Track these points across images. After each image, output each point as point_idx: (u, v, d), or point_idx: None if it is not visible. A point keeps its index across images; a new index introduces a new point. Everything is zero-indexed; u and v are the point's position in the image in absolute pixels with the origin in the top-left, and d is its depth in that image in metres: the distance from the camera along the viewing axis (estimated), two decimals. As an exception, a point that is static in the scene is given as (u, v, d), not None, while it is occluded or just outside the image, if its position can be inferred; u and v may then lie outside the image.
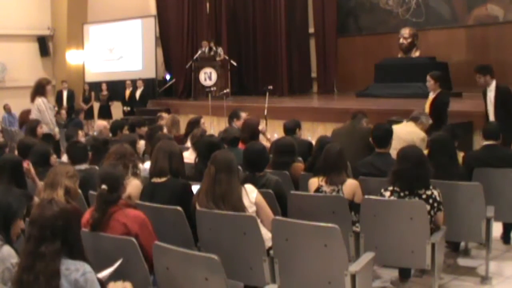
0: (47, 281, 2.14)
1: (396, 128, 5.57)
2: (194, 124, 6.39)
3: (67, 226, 2.23)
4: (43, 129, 7.23)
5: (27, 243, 2.23)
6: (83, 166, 4.51)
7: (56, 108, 11.11)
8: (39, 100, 7.44)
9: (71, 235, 2.24)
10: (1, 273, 2.46)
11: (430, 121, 5.77)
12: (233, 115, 6.39)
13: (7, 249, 2.58)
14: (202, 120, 6.77)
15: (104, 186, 3.04)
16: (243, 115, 6.42)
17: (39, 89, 7.53)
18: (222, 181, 3.37)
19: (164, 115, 8.17)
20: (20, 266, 2.20)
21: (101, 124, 7.77)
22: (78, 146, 4.80)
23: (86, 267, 2.26)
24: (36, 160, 4.67)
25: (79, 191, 3.70)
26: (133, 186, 3.88)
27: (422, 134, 5.39)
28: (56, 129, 7.48)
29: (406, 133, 5.36)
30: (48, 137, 7.28)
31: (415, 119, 5.61)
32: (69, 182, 3.47)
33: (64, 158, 5.80)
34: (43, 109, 7.39)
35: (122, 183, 3.18)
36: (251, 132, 5.62)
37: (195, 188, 3.86)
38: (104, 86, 13.76)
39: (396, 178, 3.70)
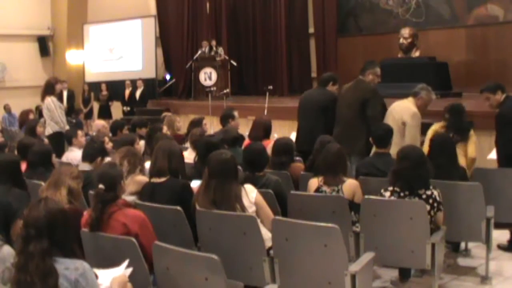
0: (42, 280, 2.14)
1: (393, 105, 5.54)
2: (196, 124, 6.38)
3: (52, 225, 2.22)
4: (42, 129, 7.23)
5: (18, 243, 2.25)
6: (87, 167, 4.52)
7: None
8: (49, 100, 7.49)
9: (59, 234, 2.24)
10: (1, 273, 2.46)
11: (434, 96, 5.63)
12: (227, 116, 6.33)
13: (7, 249, 2.58)
14: (204, 121, 6.76)
15: (101, 186, 3.04)
16: (237, 114, 6.39)
17: (48, 89, 7.59)
18: (212, 187, 3.37)
19: (168, 114, 8.20)
20: (15, 266, 2.21)
21: (99, 123, 7.78)
22: (93, 146, 4.82)
23: (85, 265, 2.27)
24: (36, 159, 4.67)
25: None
26: (138, 182, 3.90)
27: (412, 110, 5.26)
28: (67, 127, 7.50)
29: (398, 111, 5.30)
30: (58, 135, 7.29)
31: (415, 94, 5.41)
32: (73, 182, 3.47)
33: (65, 157, 5.80)
34: (53, 108, 7.43)
35: (120, 183, 3.17)
36: (266, 130, 5.66)
37: (194, 183, 3.86)
38: (103, 86, 13.76)
39: (396, 178, 3.70)
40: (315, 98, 6.03)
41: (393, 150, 4.40)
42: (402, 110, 5.28)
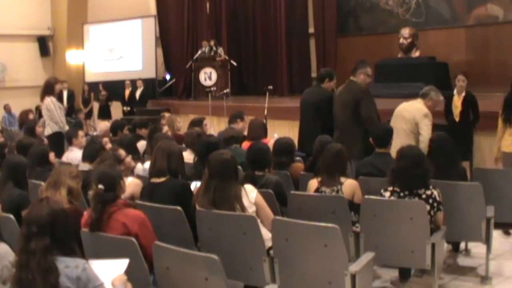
0: (44, 277, 2.16)
1: (402, 105, 5.56)
2: (196, 124, 6.37)
3: (54, 223, 2.24)
4: (41, 129, 7.23)
5: (19, 241, 2.26)
6: (87, 167, 4.52)
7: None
8: (48, 100, 7.47)
9: (60, 232, 2.26)
10: (0, 271, 2.47)
11: (441, 98, 5.69)
12: (237, 115, 6.33)
13: (4, 247, 2.59)
14: (205, 122, 6.75)
15: (100, 186, 3.04)
16: (246, 118, 6.38)
17: (48, 89, 7.57)
18: (211, 187, 3.37)
19: (167, 114, 8.19)
20: (16, 265, 2.22)
21: (103, 124, 7.80)
22: (93, 147, 4.82)
23: (86, 263, 2.30)
24: (34, 160, 4.68)
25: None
26: (131, 185, 3.89)
27: (424, 110, 5.30)
28: (66, 128, 7.50)
29: (409, 110, 5.32)
30: (58, 135, 7.28)
31: (424, 96, 5.44)
32: (72, 182, 3.47)
33: (65, 157, 5.80)
34: (52, 108, 7.41)
35: (120, 183, 3.17)
36: (265, 129, 5.69)
37: (194, 185, 3.86)
38: (101, 87, 13.74)
39: (394, 177, 3.70)
40: (310, 98, 6.10)
41: None
42: (414, 111, 5.32)
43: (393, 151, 4.69)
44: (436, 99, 5.48)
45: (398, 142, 4.77)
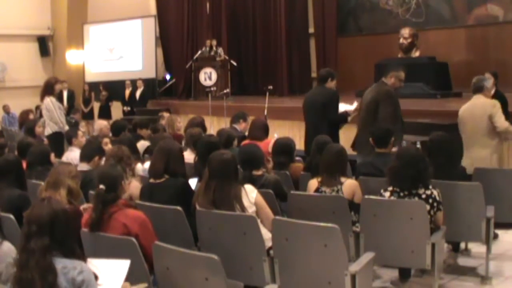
0: (42, 277, 2.15)
1: (464, 110, 5.45)
2: (195, 124, 6.36)
3: (54, 222, 2.24)
4: (41, 129, 7.23)
5: (20, 240, 2.26)
6: (85, 167, 4.52)
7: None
8: (48, 100, 7.46)
9: (59, 232, 2.25)
10: (4, 269, 2.47)
11: (492, 80, 5.65)
12: (239, 116, 6.29)
13: (7, 246, 2.60)
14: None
15: (102, 186, 3.04)
16: (249, 119, 6.36)
17: (48, 89, 7.56)
18: (211, 187, 3.37)
19: (166, 114, 8.18)
20: (17, 264, 2.22)
21: (101, 123, 7.77)
22: (90, 147, 4.81)
23: (84, 266, 2.28)
24: (34, 159, 4.67)
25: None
26: (133, 187, 3.89)
27: (490, 101, 5.29)
28: (66, 128, 7.49)
29: (477, 111, 5.26)
30: (58, 135, 7.27)
31: (480, 89, 5.37)
32: (72, 182, 3.46)
33: (65, 157, 5.80)
34: (52, 109, 7.41)
35: (121, 183, 3.17)
36: (266, 129, 5.68)
37: (193, 182, 3.86)
38: (101, 87, 13.73)
39: (390, 177, 3.71)
40: (315, 98, 6.01)
41: (486, 152, 4.73)
42: (482, 108, 5.28)
43: (469, 163, 4.78)
44: (490, 86, 5.45)
45: (475, 150, 4.88)
